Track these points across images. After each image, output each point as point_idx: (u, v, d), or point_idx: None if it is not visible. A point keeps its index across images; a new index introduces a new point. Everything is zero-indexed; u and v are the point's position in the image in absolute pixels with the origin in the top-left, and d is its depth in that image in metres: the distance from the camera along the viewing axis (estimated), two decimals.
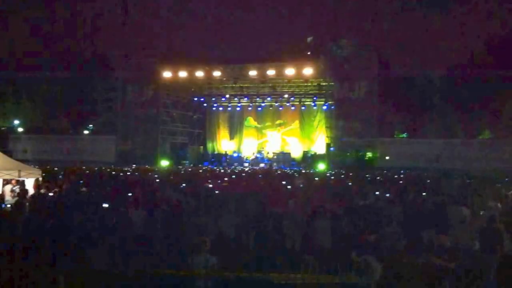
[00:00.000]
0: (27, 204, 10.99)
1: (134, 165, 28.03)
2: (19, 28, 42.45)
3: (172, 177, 18.87)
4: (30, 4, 42.99)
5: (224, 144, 40.09)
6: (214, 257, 6.61)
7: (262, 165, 33.23)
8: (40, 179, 14.49)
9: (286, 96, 36.40)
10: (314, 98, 36.03)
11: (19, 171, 13.33)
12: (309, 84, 33.48)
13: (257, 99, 37.59)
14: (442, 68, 37.53)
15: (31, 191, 13.01)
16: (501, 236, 7.43)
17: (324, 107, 35.36)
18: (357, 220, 9.28)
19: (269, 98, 37.20)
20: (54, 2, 43.29)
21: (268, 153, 36.45)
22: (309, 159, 33.99)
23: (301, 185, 16.08)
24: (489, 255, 6.50)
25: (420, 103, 38.59)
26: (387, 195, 12.88)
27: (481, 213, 9.55)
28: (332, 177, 21.10)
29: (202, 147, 39.41)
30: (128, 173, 21.36)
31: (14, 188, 13.36)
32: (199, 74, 31.11)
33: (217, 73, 31.03)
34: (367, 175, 21.64)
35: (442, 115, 37.66)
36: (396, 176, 21.94)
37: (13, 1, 43.28)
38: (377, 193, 13.29)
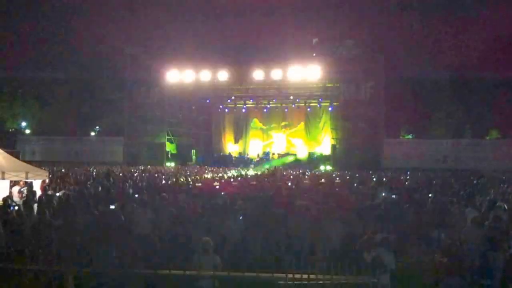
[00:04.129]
0: (35, 205, 11.10)
1: (141, 166, 28.13)
2: (28, 30, 42.82)
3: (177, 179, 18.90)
4: (38, 6, 43.33)
5: (229, 145, 40.15)
6: (219, 257, 6.63)
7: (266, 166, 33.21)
8: (47, 180, 14.59)
9: (291, 97, 36.38)
10: (320, 99, 35.97)
11: (27, 172, 13.40)
12: (315, 85, 33.43)
13: (263, 100, 37.59)
14: (449, 69, 37.39)
15: (38, 192, 13.11)
16: (506, 235, 7.41)
17: (330, 108, 35.29)
18: (364, 221, 9.26)
19: (274, 100, 37.19)
20: (63, 4, 43.61)
21: (273, 154, 36.47)
22: (314, 160, 33.95)
23: (308, 186, 16.07)
24: (495, 254, 6.48)
25: (426, 103, 38.45)
26: (394, 195, 12.85)
27: (488, 213, 9.50)
28: (338, 178, 21.06)
29: (207, 148, 39.47)
30: (136, 174, 21.44)
31: (22, 190, 13.46)
32: (205, 76, 31.20)
33: (222, 75, 31.09)
34: (374, 176, 21.57)
35: (449, 116, 37.51)
36: (402, 177, 21.86)
37: (22, 4, 43.63)
38: (384, 193, 13.28)
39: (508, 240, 7.31)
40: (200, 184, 18.37)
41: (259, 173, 25.34)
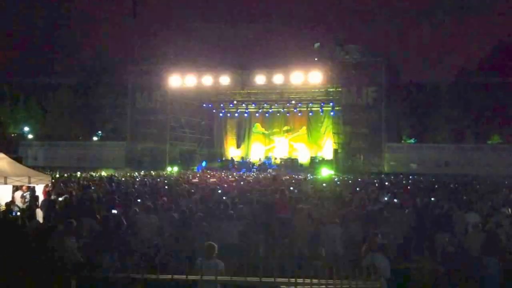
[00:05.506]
0: (37, 210, 11.14)
1: (143, 171, 28.18)
2: (30, 36, 43.06)
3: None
4: (41, 12, 43.60)
5: (231, 150, 40.20)
6: (222, 262, 6.64)
7: (269, 170, 33.23)
8: (50, 185, 14.64)
9: (293, 102, 36.45)
10: (322, 104, 36.03)
11: (29, 177, 13.42)
12: (316, 90, 33.49)
13: (265, 105, 37.70)
14: (451, 73, 37.46)
15: (41, 197, 13.15)
16: (506, 241, 7.41)
17: (332, 113, 35.33)
18: (366, 225, 9.27)
19: (276, 104, 37.28)
20: (65, 10, 43.86)
21: (275, 158, 36.50)
22: (316, 164, 33.93)
23: (310, 191, 16.08)
24: (494, 259, 6.49)
25: (428, 108, 38.47)
26: (395, 200, 12.86)
27: (490, 219, 9.50)
28: (339, 182, 21.07)
29: (209, 153, 39.50)
30: (138, 179, 21.49)
31: (24, 194, 13.51)
32: (207, 80, 31.29)
33: (224, 80, 31.18)
34: (375, 181, 21.56)
35: (451, 120, 37.51)
36: (404, 182, 21.86)
37: (24, 10, 43.91)
38: (386, 198, 13.28)
39: (508, 246, 7.31)
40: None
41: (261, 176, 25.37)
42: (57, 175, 21.17)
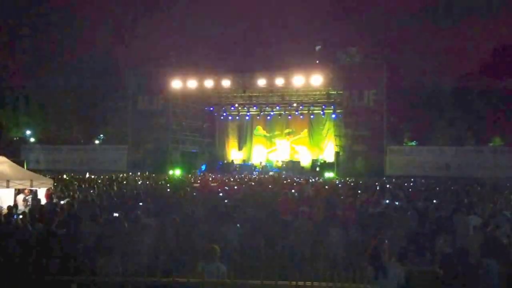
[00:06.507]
0: (39, 213, 11.17)
1: (145, 174, 28.21)
2: (31, 39, 43.18)
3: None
4: (43, 15, 43.74)
5: (233, 153, 40.22)
6: (224, 265, 6.66)
7: (271, 173, 33.25)
8: (52, 188, 14.69)
9: (295, 105, 36.48)
10: (323, 106, 36.02)
11: (31, 180, 13.52)
12: (318, 92, 33.53)
13: (266, 108, 37.72)
14: (452, 75, 37.45)
15: (43, 200, 13.20)
16: (506, 244, 7.41)
17: (333, 116, 35.35)
18: (367, 228, 9.28)
19: (278, 107, 37.31)
20: (67, 13, 44.00)
21: (277, 161, 36.53)
22: (318, 167, 33.93)
23: (311, 194, 16.10)
24: (494, 262, 6.50)
25: (429, 110, 38.44)
26: (397, 203, 12.86)
27: (491, 221, 9.49)
28: (340, 185, 21.08)
29: (211, 156, 39.54)
30: (140, 182, 21.54)
31: (26, 198, 13.56)
32: (209, 83, 31.35)
33: (226, 83, 31.23)
34: (377, 183, 21.56)
35: (452, 123, 37.46)
36: (405, 184, 21.86)
37: (26, 13, 44.06)
38: (387, 201, 13.28)
39: (508, 248, 7.31)
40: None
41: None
42: (59, 179, 21.21)
